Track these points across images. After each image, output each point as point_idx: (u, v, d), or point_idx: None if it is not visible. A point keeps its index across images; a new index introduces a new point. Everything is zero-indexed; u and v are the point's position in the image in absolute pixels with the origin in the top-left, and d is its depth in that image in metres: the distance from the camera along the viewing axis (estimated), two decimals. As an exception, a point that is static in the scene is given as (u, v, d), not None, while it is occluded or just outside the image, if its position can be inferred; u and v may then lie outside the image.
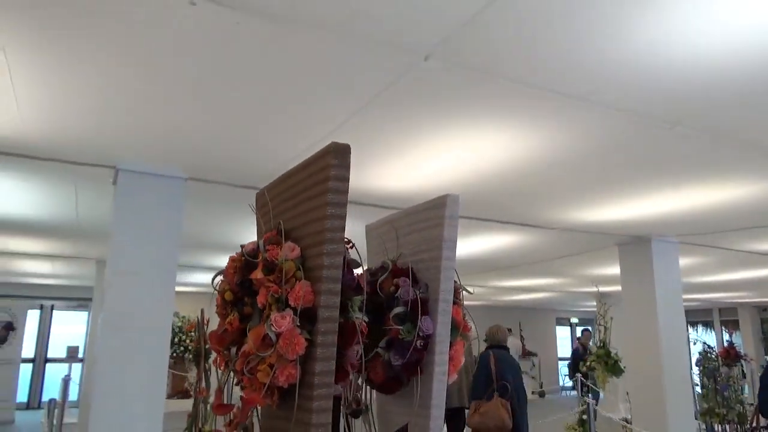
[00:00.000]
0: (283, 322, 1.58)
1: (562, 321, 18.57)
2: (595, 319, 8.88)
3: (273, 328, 1.58)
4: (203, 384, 7.45)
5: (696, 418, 5.69)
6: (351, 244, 1.82)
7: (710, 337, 16.92)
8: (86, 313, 12.46)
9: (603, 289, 9.35)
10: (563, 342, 18.47)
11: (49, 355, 12.62)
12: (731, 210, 5.03)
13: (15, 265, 9.06)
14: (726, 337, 16.51)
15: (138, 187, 4.00)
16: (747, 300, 15.05)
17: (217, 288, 1.89)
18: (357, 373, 2.04)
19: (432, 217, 2.13)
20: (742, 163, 3.85)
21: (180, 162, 3.93)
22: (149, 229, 3.98)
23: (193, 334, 10.52)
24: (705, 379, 5.10)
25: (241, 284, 1.79)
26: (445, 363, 2.05)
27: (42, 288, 12.03)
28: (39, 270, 9.77)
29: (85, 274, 9.97)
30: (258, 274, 1.69)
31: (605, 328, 8.16)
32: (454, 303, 2.14)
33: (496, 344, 5.31)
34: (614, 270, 7.68)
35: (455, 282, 2.16)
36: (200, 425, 7.22)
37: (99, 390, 3.70)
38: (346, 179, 1.67)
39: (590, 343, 10.52)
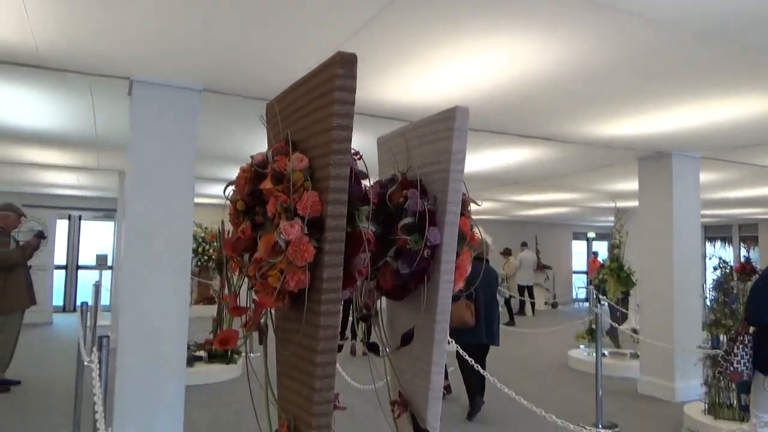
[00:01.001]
0: (292, 230, 1.64)
1: (579, 235, 18.69)
2: (611, 233, 8.93)
3: (282, 236, 1.64)
4: (226, 291, 7.78)
5: (702, 329, 5.84)
6: (359, 156, 1.84)
7: (728, 253, 16.94)
8: (113, 223, 12.87)
9: (620, 204, 9.33)
10: (579, 256, 18.70)
11: (80, 262, 13.20)
12: (757, 124, 4.89)
13: (41, 176, 9.28)
14: (744, 252, 16.52)
15: (153, 98, 4.01)
16: (768, 216, 14.93)
17: (230, 198, 1.94)
18: (366, 280, 2.13)
19: (441, 130, 2.13)
20: (771, 75, 3.70)
21: (194, 73, 3.90)
22: (166, 141, 4.03)
23: (215, 243, 10.85)
24: (715, 293, 5.17)
25: (252, 194, 1.84)
26: (451, 272, 2.12)
27: (69, 199, 12.38)
28: (65, 182, 10.01)
29: (109, 186, 10.22)
30: (267, 185, 1.73)
31: (620, 242, 8.24)
32: (462, 214, 2.17)
33: (474, 257, 5.55)
34: (632, 185, 7.63)
35: (463, 194, 2.19)
36: (224, 328, 7.62)
37: (126, 296, 3.90)
38: (353, 90, 1.66)
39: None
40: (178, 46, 3.38)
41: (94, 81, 4.10)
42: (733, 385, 4.62)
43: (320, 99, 1.72)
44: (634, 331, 7.44)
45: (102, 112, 5.04)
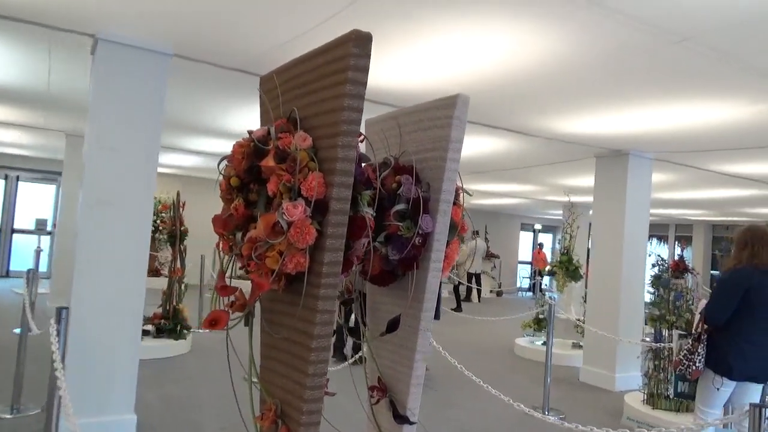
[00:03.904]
0: (295, 211, 1.59)
1: (527, 227, 19.19)
2: (561, 227, 9.20)
3: (285, 217, 1.59)
4: (178, 264, 7.53)
5: (645, 323, 6.11)
6: (363, 138, 1.80)
7: (663, 251, 17.80)
8: (54, 186, 12.25)
9: (573, 199, 9.61)
10: (525, 247, 19.23)
11: (15, 226, 12.50)
12: (713, 130, 5.11)
13: (-22, 131, 8.69)
14: (678, 251, 17.37)
15: (119, 59, 3.80)
16: (703, 218, 15.72)
17: (222, 172, 1.86)
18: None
19: (440, 117, 2.11)
20: (739, 85, 3.85)
21: (166, 36, 3.71)
22: (130, 105, 3.83)
23: (164, 215, 10.48)
24: (659, 289, 5.42)
25: (249, 170, 1.77)
26: (440, 260, 2.12)
27: (6, 157, 11.66)
28: (3, 139, 9.41)
29: (53, 147, 9.67)
30: (270, 162, 1.67)
31: (570, 236, 8.50)
32: (454, 204, 2.17)
33: None
34: (586, 181, 7.86)
35: (457, 183, 2.18)
36: (174, 303, 7.36)
37: (81, 263, 3.71)
38: (366, 70, 1.61)
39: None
40: (150, 4, 3.20)
41: (55, 35, 3.84)
42: (670, 375, 4.87)
43: (331, 77, 1.66)
44: (579, 320, 7.71)
45: (59, 68, 4.74)
